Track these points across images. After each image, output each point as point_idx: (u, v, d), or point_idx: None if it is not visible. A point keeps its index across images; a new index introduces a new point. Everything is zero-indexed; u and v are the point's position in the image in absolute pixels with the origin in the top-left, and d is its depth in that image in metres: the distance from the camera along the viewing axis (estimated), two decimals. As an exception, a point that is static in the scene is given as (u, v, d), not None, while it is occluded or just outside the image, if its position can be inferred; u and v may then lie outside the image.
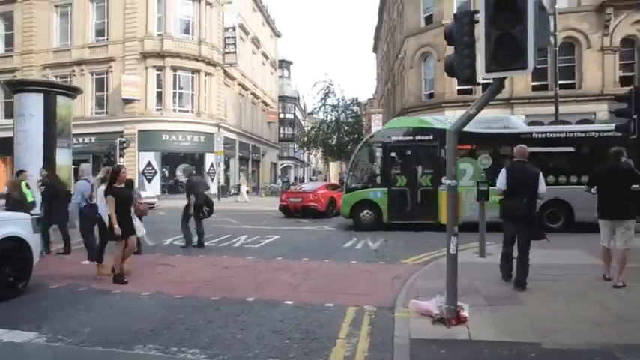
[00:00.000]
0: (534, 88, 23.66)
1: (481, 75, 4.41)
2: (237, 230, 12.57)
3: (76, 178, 13.61)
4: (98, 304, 5.44)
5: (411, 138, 12.56)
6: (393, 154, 12.78)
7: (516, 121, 12.85)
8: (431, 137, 12.31)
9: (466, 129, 12.27)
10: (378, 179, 12.87)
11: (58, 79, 30.56)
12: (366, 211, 12.57)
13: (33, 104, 11.59)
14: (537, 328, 4.17)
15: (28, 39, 30.86)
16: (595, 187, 6.16)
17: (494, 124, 12.21)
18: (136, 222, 7.42)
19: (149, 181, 28.57)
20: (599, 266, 6.39)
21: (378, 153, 12.98)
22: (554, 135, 12.03)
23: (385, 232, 11.90)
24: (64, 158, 12.37)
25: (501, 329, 4.21)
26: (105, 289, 6.11)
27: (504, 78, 4.41)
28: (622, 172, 5.94)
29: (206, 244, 10.18)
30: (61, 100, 12.24)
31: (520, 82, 23.29)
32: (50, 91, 12.03)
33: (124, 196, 6.59)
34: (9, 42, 32.01)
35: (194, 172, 12.28)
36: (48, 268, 7.45)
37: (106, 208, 6.55)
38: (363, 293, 5.81)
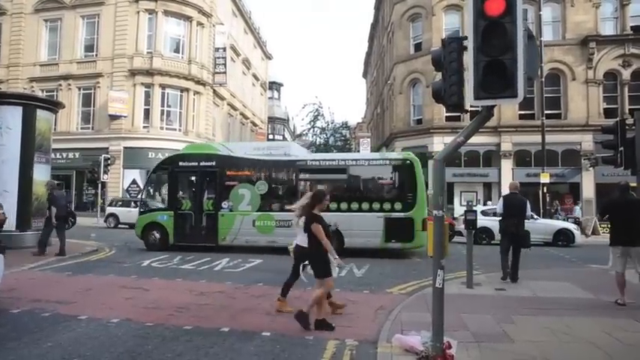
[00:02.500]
0: (521, 116, 24.00)
1: (469, 102, 4.29)
2: (218, 253, 12.19)
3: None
4: (60, 332, 5.07)
5: (196, 164, 12.96)
6: (179, 179, 13.26)
7: (298, 148, 13.42)
8: (213, 163, 12.77)
9: (246, 155, 12.87)
10: (166, 203, 13.45)
11: (44, 94, 30.19)
12: (154, 232, 12.82)
13: (11, 117, 11.26)
14: (527, 370, 3.94)
15: (15, 52, 30.52)
16: (607, 216, 6.96)
17: (276, 150, 12.88)
18: None
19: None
20: (589, 300, 6.22)
21: (167, 177, 13.50)
22: (326, 163, 12.58)
23: (371, 258, 11.64)
24: (41, 173, 11.98)
25: (489, 370, 3.96)
26: (71, 315, 5.73)
27: (493, 106, 4.29)
28: (632, 202, 6.63)
29: (185, 266, 9.82)
30: (41, 114, 11.94)
31: (508, 110, 23.61)
32: (30, 104, 11.72)
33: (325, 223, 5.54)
34: (-5, 54, 31.60)
35: (57, 185, 12.36)
36: (17, 289, 7.05)
37: (304, 238, 5.65)
38: (345, 325, 5.52)
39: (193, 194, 13.08)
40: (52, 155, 28.92)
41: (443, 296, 4.22)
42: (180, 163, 13.18)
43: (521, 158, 24.18)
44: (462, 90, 4.35)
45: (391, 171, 12.31)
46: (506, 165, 24.01)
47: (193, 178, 13.14)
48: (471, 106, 4.59)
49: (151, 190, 14.11)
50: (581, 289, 7.65)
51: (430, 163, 25.35)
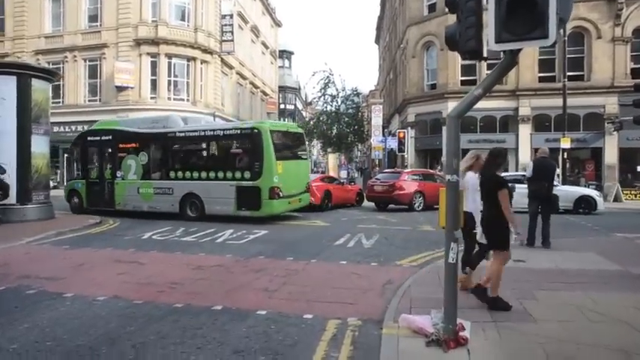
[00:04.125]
0: (541, 79, 22.80)
1: (489, 48, 3.64)
2: (223, 224, 11.84)
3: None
4: (41, 311, 4.71)
5: (99, 138, 14.58)
6: (88, 152, 14.83)
7: (175, 120, 13.72)
8: (110, 137, 14.25)
9: (131, 129, 14.24)
10: (81, 172, 14.96)
11: (50, 66, 29.86)
12: (74, 197, 14.82)
13: (5, 87, 10.83)
14: (553, 354, 3.43)
15: (20, 24, 29.97)
16: None
17: (157, 123, 13.70)
18: None
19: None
20: (617, 272, 5.65)
21: (81, 150, 15.06)
22: (190, 134, 13.01)
23: (380, 227, 11.16)
24: (40, 146, 11.65)
25: (510, 355, 3.47)
26: (57, 292, 5.38)
27: (517, 52, 3.62)
28: None
29: (186, 239, 9.47)
30: (37, 84, 11.48)
31: (527, 73, 22.44)
32: (24, 73, 11.24)
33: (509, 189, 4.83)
34: (0, 27, 31.11)
35: None
36: (9, 264, 6.76)
37: (474, 204, 5.15)
38: (348, 302, 5.07)
39: (97, 165, 14.66)
40: (61, 129, 29.09)
41: (456, 273, 3.71)
42: (89, 138, 14.97)
43: (540, 123, 23.12)
44: (481, 33, 3.68)
45: (241, 140, 12.51)
46: (524, 130, 23.00)
47: (97, 151, 14.67)
48: (489, 57, 3.97)
49: (72, 161, 15.92)
50: (606, 260, 7.06)
51: (444, 129, 24.48)
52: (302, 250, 8.15)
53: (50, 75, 12.25)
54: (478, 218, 5.18)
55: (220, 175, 12.17)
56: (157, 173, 13.36)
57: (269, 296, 5.31)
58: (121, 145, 13.94)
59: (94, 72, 29.32)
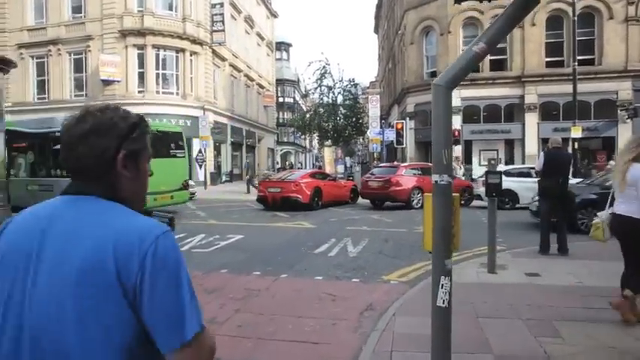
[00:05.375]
0: (548, 64, 21.43)
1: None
2: (197, 227, 10.63)
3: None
4: None
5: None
6: None
7: (59, 121, 13.62)
8: (7, 137, 14.30)
9: (21, 129, 14.58)
10: None
11: (35, 60, 28.74)
12: None
13: (-54, 77, 9.57)
14: None
15: (1, 16, 28.75)
16: None
17: (45, 124, 14.24)
18: None
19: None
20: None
21: None
22: (54, 134, 13.11)
23: (372, 229, 9.94)
24: (-8, 143, 10.38)
25: None
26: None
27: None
28: None
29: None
30: (-15, 74, 10.20)
31: (533, 57, 21.07)
32: (-33, 61, 9.97)
33: None
34: (-18, 20, 29.91)
35: None
36: None
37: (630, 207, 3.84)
38: (311, 341, 3.84)
39: (2, 164, 15.23)
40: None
41: (449, 323, 2.46)
42: None
43: (548, 111, 21.75)
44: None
45: None
46: (531, 119, 21.64)
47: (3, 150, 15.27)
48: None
49: None
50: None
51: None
52: (275, 261, 6.93)
53: (3, 64, 10.95)
54: None
55: None
56: (43, 171, 13.94)
57: (212, 331, 4.08)
58: (14, 145, 14.21)
59: (79, 66, 28.08)
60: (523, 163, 20.26)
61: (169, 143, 13.67)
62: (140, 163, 1.12)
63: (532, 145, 21.26)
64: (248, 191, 23.13)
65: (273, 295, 5.25)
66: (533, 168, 14.86)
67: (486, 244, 5.89)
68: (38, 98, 28.84)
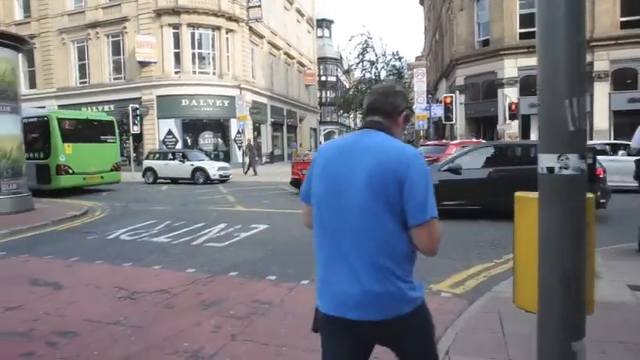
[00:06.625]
0: (624, 25, 18.63)
1: None
2: (222, 215, 9.68)
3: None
4: None
5: None
6: None
7: (30, 111, 15.10)
8: None
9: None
10: None
11: (75, 45, 28.83)
12: None
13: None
14: None
15: (44, 3, 28.97)
16: None
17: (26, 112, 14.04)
18: None
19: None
20: None
21: None
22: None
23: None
24: (8, 126, 9.86)
25: None
26: None
27: None
28: None
29: (159, 239, 7.33)
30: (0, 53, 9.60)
31: (604, 17, 18.43)
32: (-23, 39, 9.38)
33: None
34: (26, 7, 30.32)
35: None
36: None
37: None
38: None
39: (19, 148, 15.35)
40: (89, 110, 28.14)
41: None
42: None
43: (622, 80, 19.08)
44: None
45: (38, 126, 14.40)
46: (601, 89, 19.07)
47: (21, 135, 14.98)
48: None
49: None
50: None
51: (500, 92, 20.94)
52: (297, 261, 5.76)
53: (17, 42, 10.32)
54: None
55: (29, 155, 13.25)
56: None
57: (190, 374, 2.97)
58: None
59: (117, 48, 27.98)
60: (591, 139, 17.92)
61: (101, 131, 15.82)
62: (405, 120, 1.71)
63: (602, 119, 18.79)
64: (245, 172, 22.28)
65: (286, 311, 4.07)
66: (610, 144, 12.94)
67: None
68: (80, 82, 29.02)
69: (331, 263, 1.54)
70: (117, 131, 16.72)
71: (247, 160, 23.47)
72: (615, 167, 10.17)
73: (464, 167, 8.42)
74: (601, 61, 18.81)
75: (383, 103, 1.66)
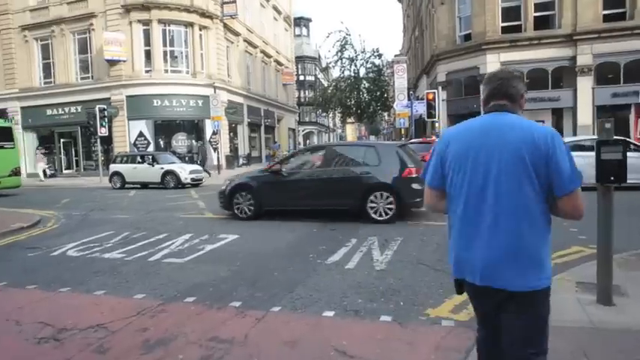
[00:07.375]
0: (606, 18, 18.29)
1: None
2: (188, 223, 8.73)
3: None
4: None
5: None
6: None
7: None
8: None
9: None
10: None
11: (39, 43, 27.31)
12: None
13: None
14: None
15: (4, -2, 27.35)
16: None
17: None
18: None
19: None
20: None
21: None
22: None
23: (407, 222, 7.78)
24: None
25: None
26: None
27: None
28: None
29: (111, 254, 6.35)
30: None
31: (587, 10, 18.06)
32: None
33: None
34: (-15, 3, 28.59)
35: None
36: None
37: None
38: None
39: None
40: (54, 111, 26.64)
41: None
42: None
43: (605, 74, 18.75)
44: None
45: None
46: (584, 84, 18.68)
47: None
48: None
49: None
50: None
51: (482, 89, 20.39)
52: (268, 280, 4.89)
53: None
54: None
55: None
56: None
57: None
58: None
59: (83, 46, 26.53)
60: (574, 134, 17.54)
61: None
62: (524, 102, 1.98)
63: (586, 115, 18.41)
64: (210, 175, 20.62)
65: (251, 354, 3.20)
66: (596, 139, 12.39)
67: (568, 243, 3.67)
68: (45, 83, 27.49)
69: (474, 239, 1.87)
70: (15, 136, 17.46)
71: (199, 161, 22.62)
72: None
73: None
74: (584, 55, 18.43)
75: (508, 87, 1.90)
